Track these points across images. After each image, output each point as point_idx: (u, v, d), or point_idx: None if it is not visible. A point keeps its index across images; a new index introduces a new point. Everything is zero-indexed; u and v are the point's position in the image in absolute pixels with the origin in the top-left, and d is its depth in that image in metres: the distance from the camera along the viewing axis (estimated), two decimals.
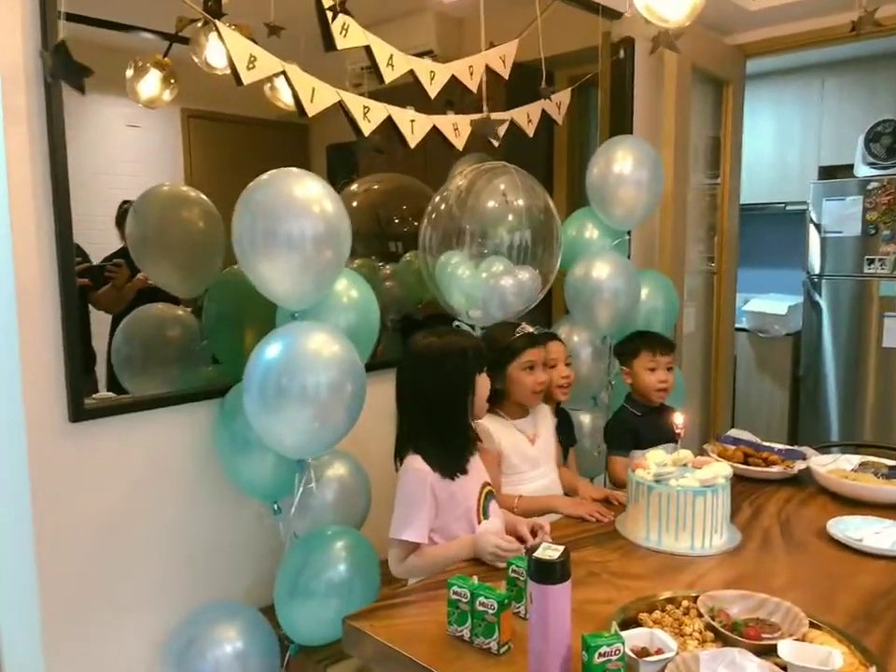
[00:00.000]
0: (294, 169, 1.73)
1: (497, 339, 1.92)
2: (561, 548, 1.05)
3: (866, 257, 3.94)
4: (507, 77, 2.42)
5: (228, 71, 1.88)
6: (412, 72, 2.13)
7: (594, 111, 3.28)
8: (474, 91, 2.27)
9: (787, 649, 1.06)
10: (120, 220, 3.24)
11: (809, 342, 4.22)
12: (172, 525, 1.82)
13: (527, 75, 2.67)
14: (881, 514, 1.66)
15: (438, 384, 1.59)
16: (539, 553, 1.03)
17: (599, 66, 2.92)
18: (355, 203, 2.36)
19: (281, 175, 1.70)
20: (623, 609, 1.23)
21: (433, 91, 2.18)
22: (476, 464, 1.67)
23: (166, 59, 2.68)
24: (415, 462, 1.57)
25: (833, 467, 1.92)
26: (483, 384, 1.65)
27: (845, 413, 4.12)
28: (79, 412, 1.65)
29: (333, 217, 1.69)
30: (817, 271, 4.13)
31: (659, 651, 1.07)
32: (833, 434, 4.15)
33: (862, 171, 3.99)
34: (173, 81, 2.70)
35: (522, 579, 1.25)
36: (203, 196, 2.19)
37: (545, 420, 2.02)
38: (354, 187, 2.40)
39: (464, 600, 1.17)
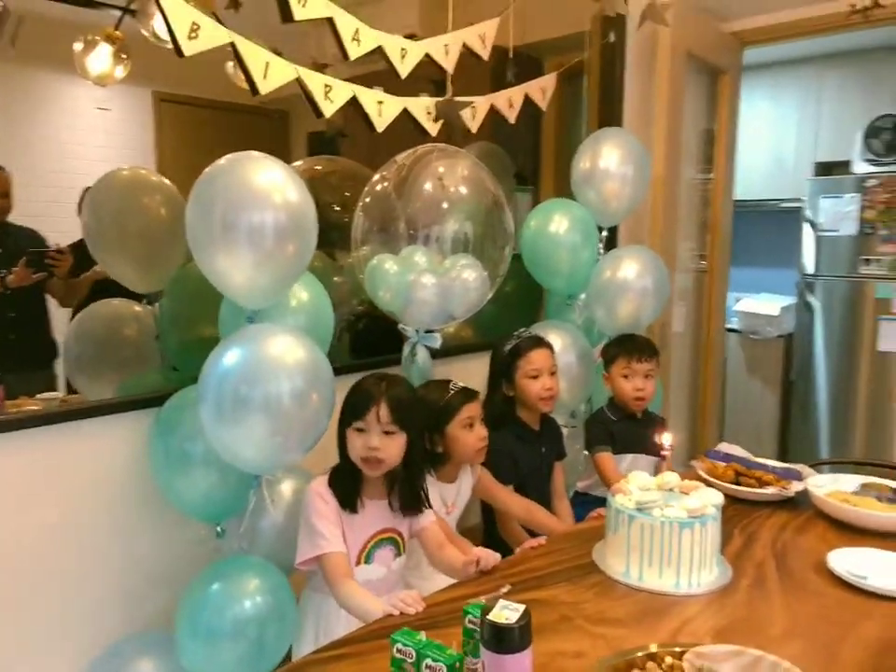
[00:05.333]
0: (255, 153, 1.54)
1: (429, 400, 1.77)
2: (521, 608, 0.88)
3: (862, 257, 3.79)
4: (487, 58, 2.23)
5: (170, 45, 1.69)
6: (380, 49, 1.94)
7: (584, 101, 3.11)
8: (449, 71, 2.09)
9: None
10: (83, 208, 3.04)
11: (802, 344, 4.08)
12: (99, 549, 1.64)
13: (515, 62, 2.49)
14: (886, 545, 1.50)
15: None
16: (493, 615, 0.86)
17: (587, 51, 2.73)
18: None
19: (241, 159, 1.52)
20: (597, 666, 1.06)
21: (404, 70, 1.99)
22: (376, 510, 1.55)
23: (118, 32, 2.48)
24: (319, 486, 1.52)
25: (833, 488, 1.76)
26: (350, 441, 1.52)
27: (836, 419, 3.97)
28: None
29: (297, 206, 1.51)
30: (811, 271, 3.98)
31: None
32: (822, 442, 4.00)
33: (861, 167, 3.84)
34: (125, 57, 2.50)
35: (480, 630, 1.07)
36: (166, 181, 2.01)
37: (466, 485, 1.89)
38: (296, 164, 2.19)
39: (409, 660, 0.99)
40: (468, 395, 1.80)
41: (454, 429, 1.77)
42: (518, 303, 2.47)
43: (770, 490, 1.76)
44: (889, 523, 1.58)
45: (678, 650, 1.09)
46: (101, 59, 2.42)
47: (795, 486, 1.78)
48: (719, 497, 1.43)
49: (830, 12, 2.89)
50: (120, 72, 2.49)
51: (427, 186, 1.87)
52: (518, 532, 1.90)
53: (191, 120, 4.28)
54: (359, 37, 1.88)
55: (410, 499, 1.55)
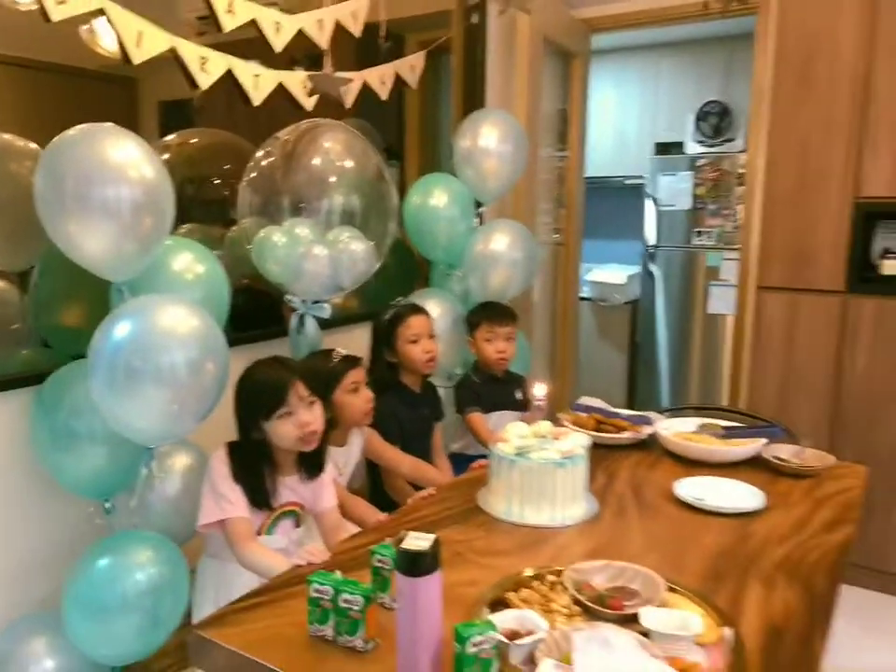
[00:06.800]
0: (108, 125, 1.51)
1: (314, 369, 1.82)
2: (431, 537, 1.00)
3: (695, 229, 4.23)
4: (358, 35, 2.29)
5: (34, 6, 1.62)
6: (254, 22, 1.95)
7: (445, 78, 3.21)
8: (324, 47, 2.13)
9: (648, 616, 1.08)
10: None
11: (645, 309, 4.49)
12: None
13: (379, 38, 2.54)
14: (721, 473, 1.76)
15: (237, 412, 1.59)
16: (406, 544, 0.97)
17: (453, 31, 2.85)
18: (165, 157, 2.10)
19: (93, 132, 1.49)
20: (491, 590, 1.21)
21: (279, 44, 2.01)
22: (286, 486, 1.61)
23: None
24: (224, 454, 1.56)
25: (676, 430, 2.02)
26: (279, 430, 1.55)
27: (674, 374, 4.44)
28: None
29: (153, 181, 1.50)
30: (653, 242, 4.38)
31: (530, 633, 1.05)
32: (664, 393, 4.46)
33: (692, 148, 4.26)
34: None
35: (387, 568, 1.19)
36: (33, 145, 1.88)
37: (356, 447, 2.00)
38: (168, 138, 2.15)
39: (326, 597, 1.09)
40: (351, 361, 1.89)
41: (340, 395, 1.86)
42: (396, 275, 2.57)
43: (626, 434, 2.00)
44: (720, 455, 1.86)
45: (558, 568, 1.26)
46: None
47: (646, 430, 2.03)
48: (586, 440, 1.62)
49: (670, 4, 3.19)
50: None
51: (315, 160, 1.91)
52: (405, 488, 2.03)
53: (26, 85, 3.95)
54: (234, 9, 1.88)
55: (316, 461, 1.63)
